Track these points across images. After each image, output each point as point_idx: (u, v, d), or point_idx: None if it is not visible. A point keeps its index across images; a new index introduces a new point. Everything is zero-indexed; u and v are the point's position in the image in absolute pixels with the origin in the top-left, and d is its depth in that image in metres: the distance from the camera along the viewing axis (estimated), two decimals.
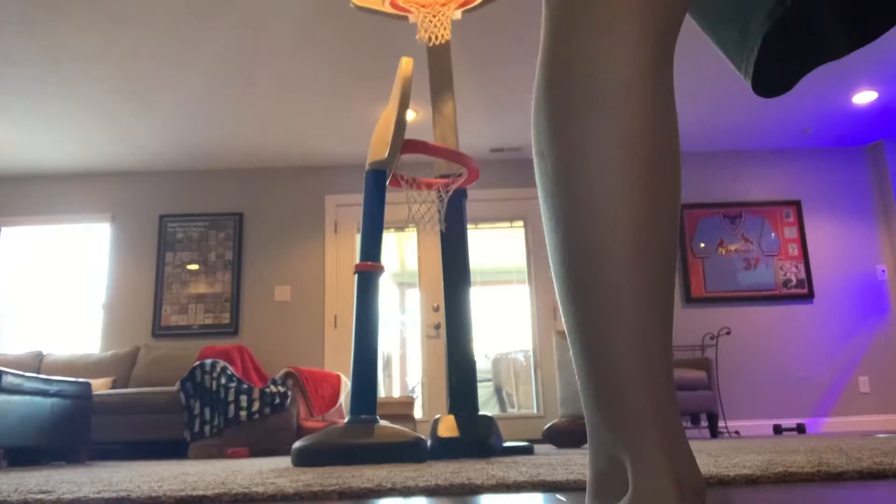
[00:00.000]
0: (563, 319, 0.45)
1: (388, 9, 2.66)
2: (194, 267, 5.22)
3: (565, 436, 3.21)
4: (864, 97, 4.56)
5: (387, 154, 2.25)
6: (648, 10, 0.45)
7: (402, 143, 2.30)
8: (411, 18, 2.70)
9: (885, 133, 5.15)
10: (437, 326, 5.05)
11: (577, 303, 0.43)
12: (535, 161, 0.48)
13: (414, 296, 5.26)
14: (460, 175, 2.58)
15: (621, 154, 0.43)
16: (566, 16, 0.47)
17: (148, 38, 3.52)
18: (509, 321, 5.24)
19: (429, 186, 2.60)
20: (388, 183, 2.35)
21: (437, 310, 5.08)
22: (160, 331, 5.12)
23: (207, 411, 4.05)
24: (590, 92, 0.44)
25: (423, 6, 2.61)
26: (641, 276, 0.41)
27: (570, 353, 0.44)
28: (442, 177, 2.64)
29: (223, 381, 4.10)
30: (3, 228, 5.40)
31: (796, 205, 5.26)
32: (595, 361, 0.42)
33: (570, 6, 0.46)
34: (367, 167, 2.28)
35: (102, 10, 3.23)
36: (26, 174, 5.37)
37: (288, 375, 4.26)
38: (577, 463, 1.48)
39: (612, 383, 0.41)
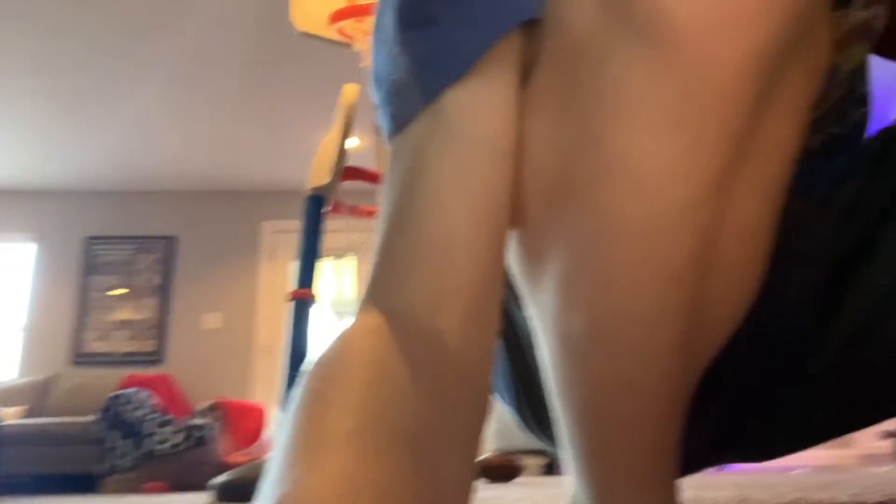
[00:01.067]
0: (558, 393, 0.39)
1: (332, 35, 2.66)
2: (120, 292, 5.03)
3: (495, 470, 3.19)
4: None
5: (327, 180, 2.23)
6: (743, 95, 0.32)
7: (344, 170, 2.28)
8: (355, 47, 2.71)
9: None
10: None
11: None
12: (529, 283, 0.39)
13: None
14: None
15: (664, 293, 0.34)
16: (608, 105, 0.33)
17: (88, 54, 3.42)
18: None
19: (370, 214, 2.58)
20: (327, 209, 2.33)
21: None
22: (81, 358, 4.89)
23: (125, 444, 3.86)
24: (631, 216, 0.33)
25: (368, 34, 2.62)
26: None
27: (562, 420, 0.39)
28: None
29: (143, 412, 3.93)
30: None
31: None
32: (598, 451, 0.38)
33: (614, 91, 0.33)
34: (306, 192, 2.26)
35: (39, 22, 3.13)
36: None
37: (213, 407, 4.12)
38: (508, 498, 1.47)
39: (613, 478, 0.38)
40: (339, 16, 2.59)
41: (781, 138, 0.36)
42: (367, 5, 2.60)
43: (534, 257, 0.38)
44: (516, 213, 0.38)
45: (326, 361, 0.33)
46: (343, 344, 0.34)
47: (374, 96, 0.41)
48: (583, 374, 0.36)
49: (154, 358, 4.91)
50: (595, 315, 0.35)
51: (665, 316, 0.34)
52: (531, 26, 0.36)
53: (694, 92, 0.32)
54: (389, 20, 0.39)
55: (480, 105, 0.36)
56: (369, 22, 2.64)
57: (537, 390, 0.48)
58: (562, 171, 0.35)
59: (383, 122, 0.40)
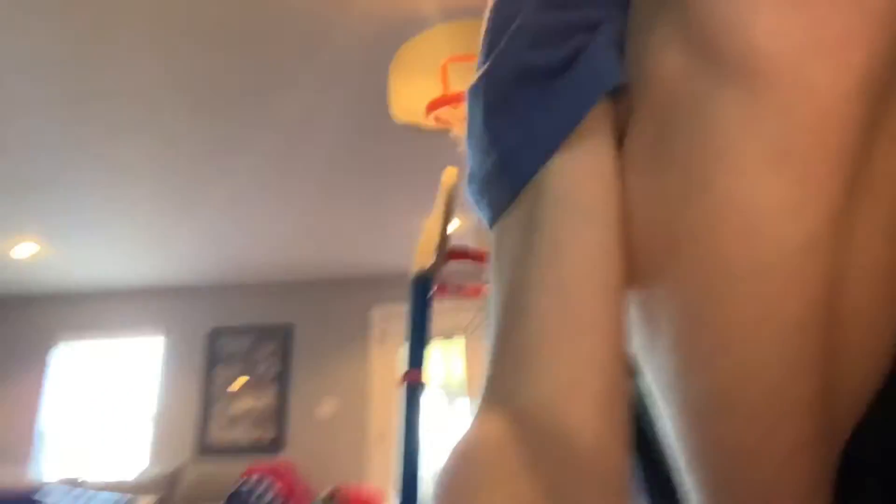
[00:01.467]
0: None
1: (430, 123, 2.75)
2: (242, 380, 5.21)
3: None
4: None
5: (431, 262, 2.25)
6: (851, 119, 0.30)
7: (448, 251, 2.30)
8: (452, 132, 2.77)
9: None
10: None
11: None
12: (647, 331, 0.35)
13: (462, 406, 5.13)
14: None
15: (790, 344, 0.30)
16: (708, 149, 0.31)
17: (197, 156, 3.68)
18: None
19: (476, 293, 2.58)
20: (433, 292, 2.34)
21: None
22: (206, 447, 5.06)
23: None
24: (746, 261, 0.30)
25: (464, 119, 2.68)
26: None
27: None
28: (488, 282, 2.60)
29: (268, 499, 3.99)
30: (61, 344, 5.52)
31: None
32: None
33: (713, 134, 0.31)
34: (411, 275, 2.29)
35: (157, 131, 3.41)
36: (84, 291, 5.54)
37: (332, 494, 4.12)
38: None
39: None
40: (434, 104, 2.67)
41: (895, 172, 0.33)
42: (461, 92, 2.68)
43: (646, 318, 0.35)
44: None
45: (453, 488, 0.31)
46: (468, 464, 0.32)
47: (469, 193, 0.40)
48: (707, 443, 0.32)
49: (274, 446, 5.01)
50: (714, 373, 0.31)
51: (792, 371, 0.30)
52: (619, 89, 0.36)
53: (798, 123, 0.30)
54: (478, 115, 0.39)
55: (581, 176, 0.35)
56: (464, 108, 2.70)
57: (661, 469, 0.44)
58: (667, 223, 0.33)
59: (482, 213, 0.40)
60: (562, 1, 0.37)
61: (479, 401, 0.36)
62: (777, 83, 0.30)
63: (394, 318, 5.25)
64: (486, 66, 0.40)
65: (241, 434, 5.09)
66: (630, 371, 0.45)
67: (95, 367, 5.50)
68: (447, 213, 2.32)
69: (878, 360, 0.34)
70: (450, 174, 2.39)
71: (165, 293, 5.54)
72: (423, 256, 2.33)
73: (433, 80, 2.64)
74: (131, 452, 5.18)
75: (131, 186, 3.94)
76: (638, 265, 0.36)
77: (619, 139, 0.37)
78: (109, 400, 5.40)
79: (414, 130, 3.06)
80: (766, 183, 0.30)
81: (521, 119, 0.37)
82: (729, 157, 0.31)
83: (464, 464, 0.32)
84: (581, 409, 0.31)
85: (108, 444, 5.28)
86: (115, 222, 4.40)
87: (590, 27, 0.37)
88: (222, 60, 2.88)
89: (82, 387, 5.46)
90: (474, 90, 0.40)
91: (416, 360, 2.25)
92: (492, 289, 0.38)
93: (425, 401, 2.20)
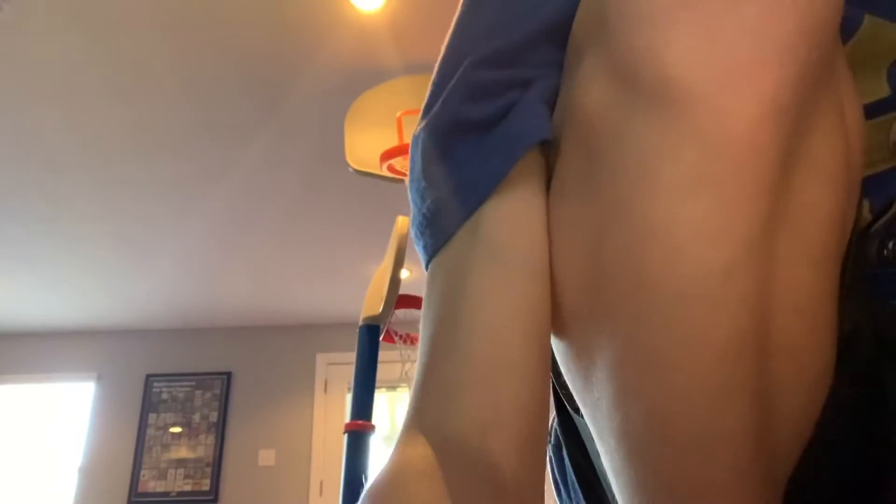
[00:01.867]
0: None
1: (385, 173, 2.78)
2: (177, 429, 5.04)
3: None
4: None
5: (381, 308, 2.25)
6: (765, 146, 0.31)
7: (397, 299, 2.31)
8: (406, 181, 2.82)
9: None
10: None
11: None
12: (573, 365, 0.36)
13: None
14: None
15: (719, 370, 0.30)
16: (630, 175, 0.32)
17: (147, 198, 3.63)
18: None
19: None
20: (381, 338, 2.33)
21: None
22: (136, 498, 4.84)
23: None
24: (669, 285, 0.31)
25: None
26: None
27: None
28: None
29: None
30: None
31: None
32: None
33: (634, 161, 0.32)
34: (360, 322, 2.28)
35: (106, 171, 3.36)
36: (16, 331, 5.32)
37: None
38: None
39: None
40: (388, 154, 2.71)
41: (818, 199, 0.34)
42: None
43: (579, 352, 0.36)
44: (555, 311, 0.37)
45: None
46: (393, 487, 0.33)
47: (412, 235, 0.43)
48: (645, 474, 0.32)
49: (209, 497, 4.83)
50: (648, 401, 0.31)
51: (722, 399, 0.31)
52: (549, 140, 0.38)
53: (712, 149, 0.31)
54: (418, 163, 0.42)
55: (509, 224, 0.38)
56: None
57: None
58: (595, 252, 0.34)
59: (420, 253, 0.42)
60: (498, 59, 0.40)
61: (405, 425, 0.36)
62: (691, 110, 0.31)
63: (339, 366, 5.19)
64: (427, 118, 0.42)
65: (175, 485, 4.90)
66: (555, 409, 0.46)
67: (19, 413, 5.25)
68: (398, 260, 2.34)
69: (812, 392, 0.34)
70: (401, 223, 2.42)
71: (99, 336, 5.36)
72: (372, 302, 2.33)
73: (389, 131, 2.69)
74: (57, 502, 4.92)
75: (72, 225, 3.85)
76: (570, 299, 0.36)
77: (548, 175, 0.39)
78: (33, 449, 5.14)
79: (367, 180, 3.09)
80: (684, 208, 0.31)
81: (456, 168, 0.40)
82: (648, 183, 0.32)
83: (390, 487, 0.33)
84: (501, 447, 0.32)
85: (30, 496, 5.00)
86: (55, 261, 4.27)
87: (523, 84, 0.39)
88: (177, 105, 2.88)
89: (4, 434, 5.19)
90: (415, 139, 0.43)
91: (361, 407, 2.23)
92: (423, 320, 0.40)
93: (371, 450, 2.17)
